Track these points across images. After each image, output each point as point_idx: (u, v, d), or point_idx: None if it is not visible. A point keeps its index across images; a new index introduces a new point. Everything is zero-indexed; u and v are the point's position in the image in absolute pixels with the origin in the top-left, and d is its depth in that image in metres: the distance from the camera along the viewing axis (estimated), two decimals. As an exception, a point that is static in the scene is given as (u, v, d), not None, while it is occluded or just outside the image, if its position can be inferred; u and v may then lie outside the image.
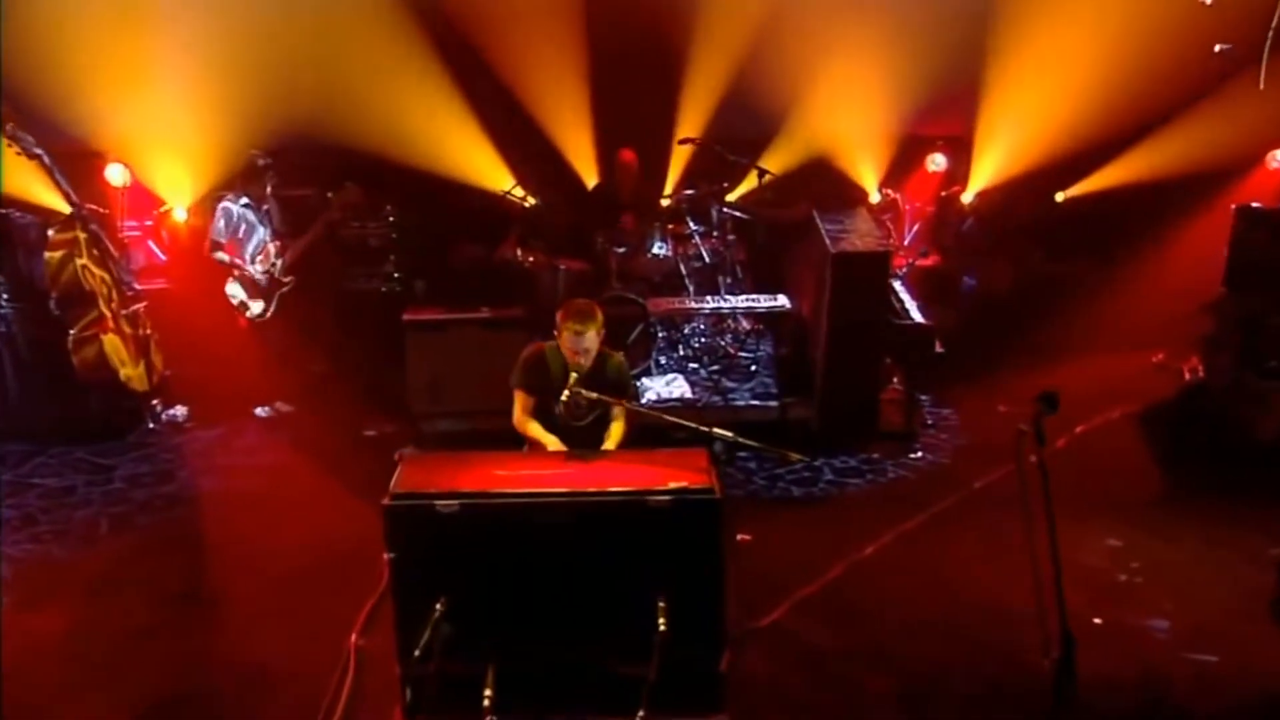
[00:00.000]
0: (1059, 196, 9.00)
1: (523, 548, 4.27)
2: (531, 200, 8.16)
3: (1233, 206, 7.68)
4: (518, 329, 6.97)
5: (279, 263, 7.45)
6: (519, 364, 5.11)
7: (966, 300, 8.79)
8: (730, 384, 7.52)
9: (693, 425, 4.57)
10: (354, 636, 5.02)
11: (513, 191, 8.10)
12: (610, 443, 5.05)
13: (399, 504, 4.28)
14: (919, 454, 7.03)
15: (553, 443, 5.00)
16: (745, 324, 8.12)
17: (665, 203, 8.39)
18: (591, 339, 4.90)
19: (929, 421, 7.44)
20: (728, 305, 7.27)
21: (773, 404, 7.24)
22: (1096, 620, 5.16)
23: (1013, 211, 8.95)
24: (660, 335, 7.66)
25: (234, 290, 7.37)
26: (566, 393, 4.83)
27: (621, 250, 7.61)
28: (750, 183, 8.33)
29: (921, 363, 7.11)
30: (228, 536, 6.11)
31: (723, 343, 7.96)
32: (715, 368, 7.70)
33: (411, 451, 6.67)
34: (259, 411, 7.61)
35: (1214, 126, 8.36)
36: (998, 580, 5.37)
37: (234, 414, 7.61)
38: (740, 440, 4.41)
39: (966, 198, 9.00)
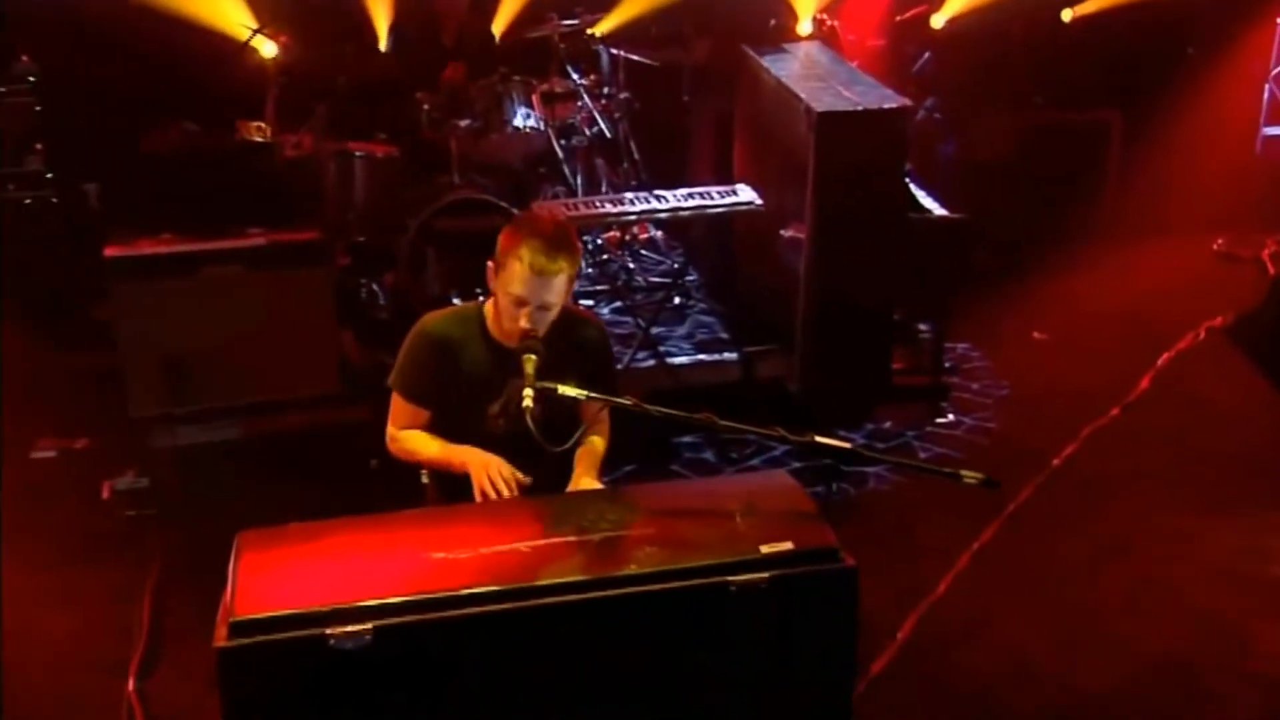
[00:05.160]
0: (1066, 15, 8.82)
1: (500, 698, 3.41)
2: (281, 47, 7.34)
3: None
4: (309, 264, 6.33)
5: None
6: (408, 347, 4.11)
7: (947, 174, 8.33)
8: (656, 331, 6.83)
9: (780, 435, 3.61)
10: None
11: (262, 34, 7.28)
12: (586, 473, 4.02)
13: (249, 641, 3.25)
14: (950, 417, 6.67)
15: (480, 462, 3.91)
16: (657, 234, 7.69)
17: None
18: (562, 286, 3.87)
19: (946, 364, 7.03)
20: (665, 205, 6.19)
21: (731, 358, 6.66)
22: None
23: (1000, 40, 8.69)
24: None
25: None
26: (529, 393, 3.59)
27: (466, 124, 6.83)
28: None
29: (950, 280, 6.63)
30: None
31: (630, 265, 7.38)
32: (620, 304, 7.02)
33: (131, 481, 5.97)
34: None
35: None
36: (1166, 623, 4.94)
37: None
38: (883, 457, 3.42)
39: (938, 22, 8.66)
